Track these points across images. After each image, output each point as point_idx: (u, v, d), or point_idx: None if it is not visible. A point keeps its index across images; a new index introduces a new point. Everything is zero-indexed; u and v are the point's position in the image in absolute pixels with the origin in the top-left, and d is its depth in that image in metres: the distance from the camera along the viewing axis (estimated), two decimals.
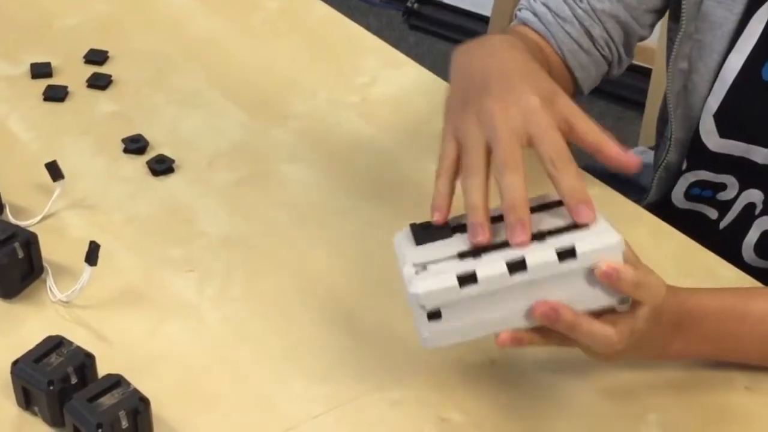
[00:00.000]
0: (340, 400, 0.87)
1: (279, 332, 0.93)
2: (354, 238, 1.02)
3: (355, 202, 1.06)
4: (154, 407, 0.82)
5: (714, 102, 1.05)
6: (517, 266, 0.74)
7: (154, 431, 0.83)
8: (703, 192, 1.10)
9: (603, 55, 1.08)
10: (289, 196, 1.07)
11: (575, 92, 1.10)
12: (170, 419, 0.84)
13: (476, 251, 0.76)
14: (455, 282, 0.74)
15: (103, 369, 0.84)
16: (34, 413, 0.84)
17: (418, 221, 0.81)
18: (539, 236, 0.75)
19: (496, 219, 0.78)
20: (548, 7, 1.06)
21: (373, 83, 1.22)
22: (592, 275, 0.74)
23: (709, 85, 1.06)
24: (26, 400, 0.84)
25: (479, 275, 0.74)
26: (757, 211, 1.07)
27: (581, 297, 0.75)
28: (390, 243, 1.01)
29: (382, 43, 1.29)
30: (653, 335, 0.81)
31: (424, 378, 0.89)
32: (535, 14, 1.07)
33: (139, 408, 0.80)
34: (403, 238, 0.81)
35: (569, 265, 0.74)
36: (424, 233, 0.79)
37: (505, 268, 0.74)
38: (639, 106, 2.01)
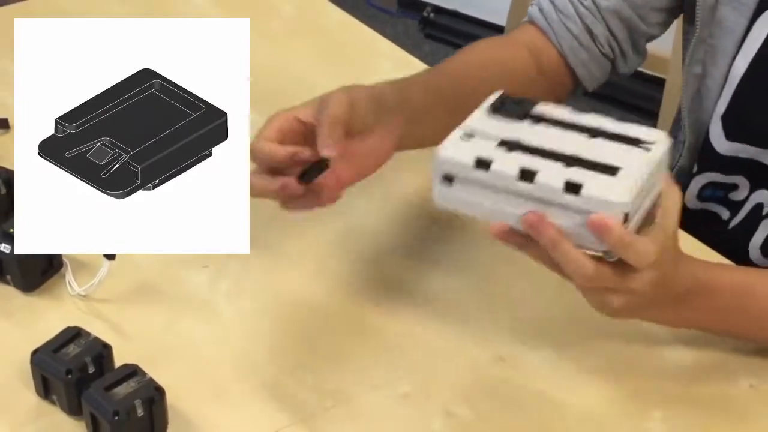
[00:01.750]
0: (351, 393, 0.88)
1: (291, 326, 0.94)
2: (367, 238, 1.03)
3: (367, 203, 1.07)
4: (169, 397, 0.84)
5: (722, 105, 1.06)
6: (526, 175, 0.76)
7: (168, 420, 0.84)
8: (715, 192, 1.11)
9: (603, 53, 1.09)
10: None
11: (575, 90, 1.12)
12: (184, 409, 0.86)
13: (515, 145, 0.78)
14: (471, 162, 0.77)
15: (119, 360, 0.86)
16: (53, 402, 0.86)
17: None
18: (574, 160, 0.77)
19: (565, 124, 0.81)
20: (554, 4, 1.09)
21: None
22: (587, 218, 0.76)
23: (719, 89, 1.06)
24: (45, 389, 0.86)
25: (492, 167, 0.77)
26: (765, 212, 1.07)
27: (573, 232, 0.76)
28: (405, 244, 1.02)
29: (395, 48, 1.30)
30: (662, 300, 0.82)
31: (432, 373, 0.90)
32: (540, 11, 1.10)
33: (154, 397, 0.82)
34: (488, 100, 0.84)
35: (570, 199, 0.75)
36: (505, 105, 0.83)
37: (516, 171, 0.76)
38: (653, 115, 2.01)
